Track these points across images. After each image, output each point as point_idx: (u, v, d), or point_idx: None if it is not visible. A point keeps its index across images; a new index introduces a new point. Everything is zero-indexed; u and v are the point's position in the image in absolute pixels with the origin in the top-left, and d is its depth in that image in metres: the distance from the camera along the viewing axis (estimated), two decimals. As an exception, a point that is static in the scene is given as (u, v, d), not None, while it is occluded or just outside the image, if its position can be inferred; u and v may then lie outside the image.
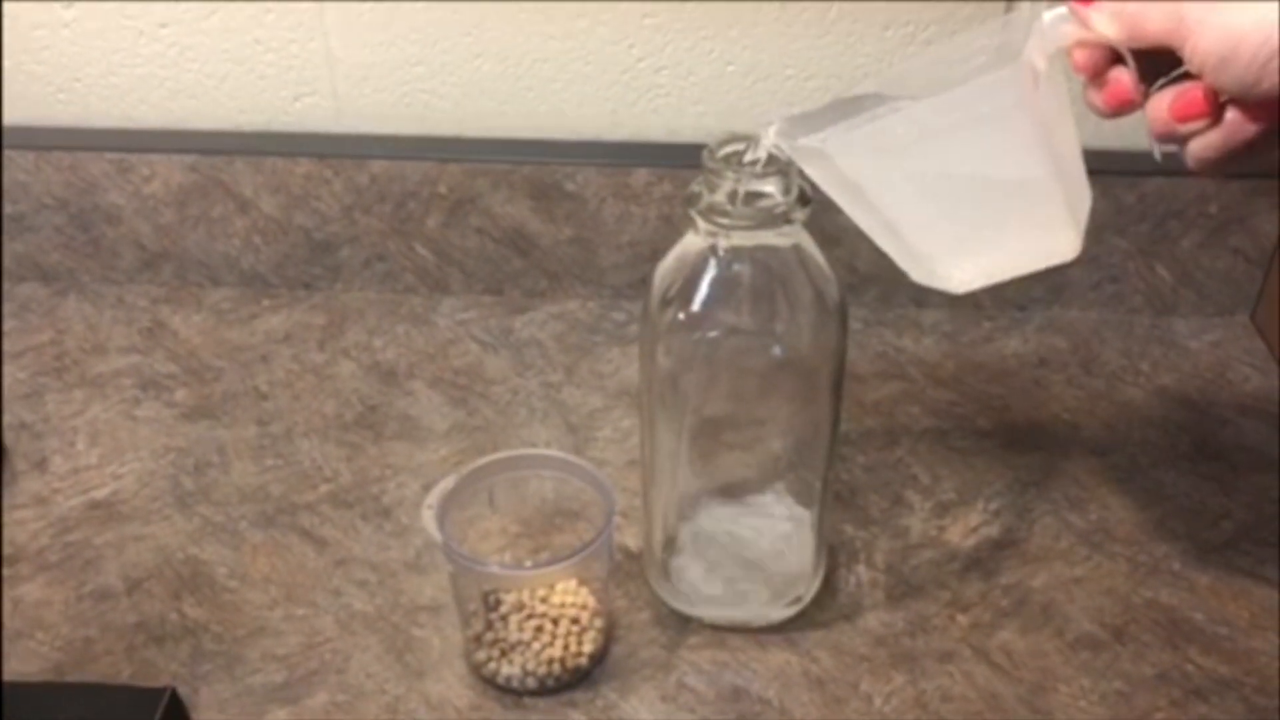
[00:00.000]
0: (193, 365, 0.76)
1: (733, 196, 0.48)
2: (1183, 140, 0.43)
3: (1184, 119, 0.42)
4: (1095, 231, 0.78)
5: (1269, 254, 0.76)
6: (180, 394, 0.73)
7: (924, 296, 0.79)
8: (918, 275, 0.47)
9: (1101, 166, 0.48)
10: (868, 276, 0.79)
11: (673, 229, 0.53)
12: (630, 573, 0.61)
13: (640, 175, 0.75)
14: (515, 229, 0.78)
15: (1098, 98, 0.44)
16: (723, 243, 0.49)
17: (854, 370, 0.74)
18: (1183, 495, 0.66)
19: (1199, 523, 0.64)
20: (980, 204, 0.44)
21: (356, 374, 0.75)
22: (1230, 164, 0.42)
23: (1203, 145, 0.42)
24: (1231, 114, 0.42)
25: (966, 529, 0.64)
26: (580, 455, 0.57)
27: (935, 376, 0.74)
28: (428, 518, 0.53)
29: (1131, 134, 0.74)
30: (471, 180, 0.76)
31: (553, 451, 0.58)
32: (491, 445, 0.68)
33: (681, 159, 0.72)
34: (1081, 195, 0.45)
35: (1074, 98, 0.45)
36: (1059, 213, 0.45)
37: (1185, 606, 0.59)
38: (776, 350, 0.52)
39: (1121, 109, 0.44)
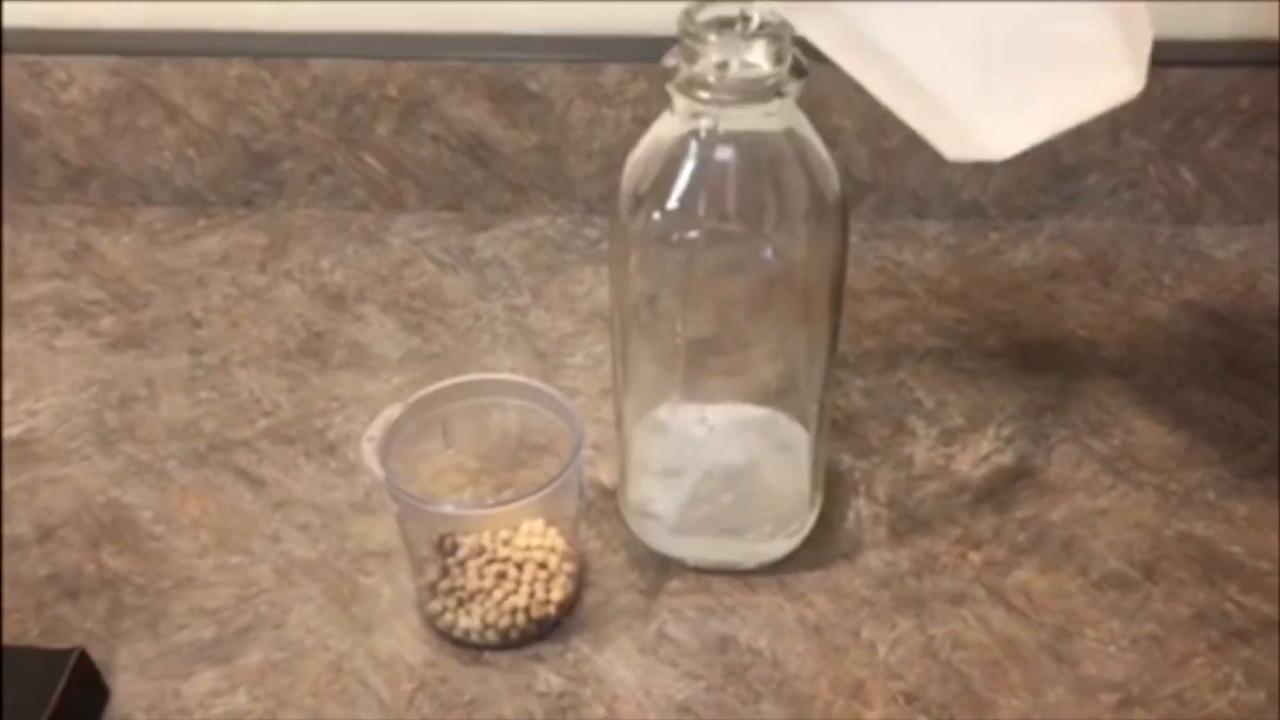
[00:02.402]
0: (120, 291, 0.69)
1: (717, 69, 0.41)
2: None
3: None
4: (1112, 131, 0.71)
5: (1303, 154, 0.69)
6: (106, 322, 0.66)
7: (925, 207, 0.73)
8: (950, 148, 0.40)
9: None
10: (865, 185, 0.72)
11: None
12: (604, 511, 0.55)
13: (612, 72, 0.68)
14: (474, 135, 0.71)
15: None
16: (705, 124, 0.42)
17: (850, 286, 0.67)
18: (1214, 417, 0.59)
19: (1234, 447, 0.58)
20: (1021, 43, 0.37)
21: (301, 298, 0.68)
22: None
23: None
24: None
25: (976, 457, 0.58)
26: (549, 384, 0.51)
27: (939, 292, 0.68)
28: (368, 451, 0.46)
29: (1156, 22, 0.68)
30: (423, 80, 0.69)
31: (512, 376, 0.51)
32: (450, 374, 0.61)
33: (657, 53, 0.64)
34: (1140, 25, 0.38)
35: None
36: (1115, 45, 0.37)
37: (1222, 539, 0.53)
38: (768, 253, 0.45)
39: None
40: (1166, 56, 0.67)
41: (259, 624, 0.50)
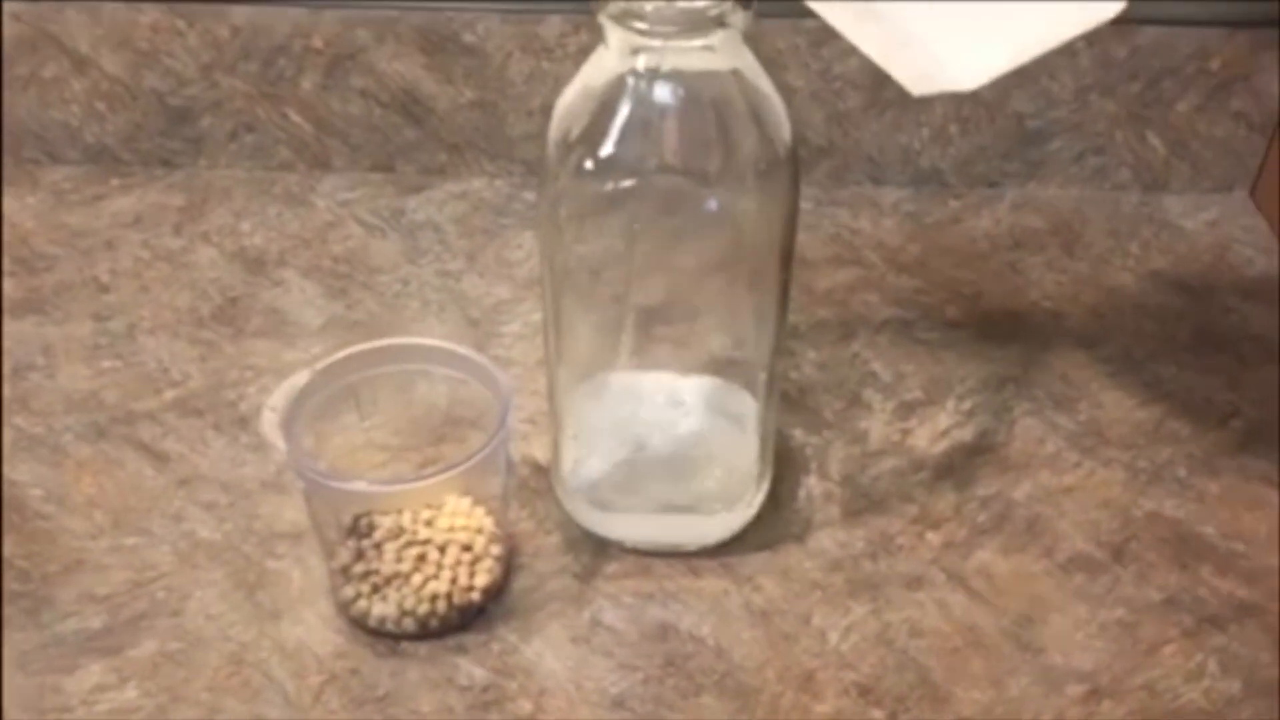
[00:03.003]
0: (21, 254, 0.64)
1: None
2: None
3: None
4: (1078, 93, 0.68)
5: (1275, 119, 0.66)
6: (2, 286, 0.61)
7: (882, 173, 0.69)
8: (917, 82, 0.36)
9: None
10: (819, 149, 0.68)
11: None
12: (538, 490, 0.51)
13: (552, 24, 0.64)
14: (406, 91, 0.66)
15: None
16: (643, 62, 0.38)
17: (803, 255, 0.64)
18: (1185, 391, 0.56)
19: (1205, 422, 0.55)
20: None
21: (218, 262, 0.63)
22: None
23: None
24: None
25: (935, 432, 0.54)
26: (481, 353, 0.46)
27: (896, 261, 0.64)
28: (268, 422, 0.42)
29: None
30: (351, 31, 0.64)
31: (434, 341, 0.47)
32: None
33: (600, 3, 0.60)
34: None
35: None
36: None
37: (1194, 519, 0.50)
38: (711, 204, 0.41)
39: None
40: (1135, 14, 0.64)
41: (154, 611, 0.46)
